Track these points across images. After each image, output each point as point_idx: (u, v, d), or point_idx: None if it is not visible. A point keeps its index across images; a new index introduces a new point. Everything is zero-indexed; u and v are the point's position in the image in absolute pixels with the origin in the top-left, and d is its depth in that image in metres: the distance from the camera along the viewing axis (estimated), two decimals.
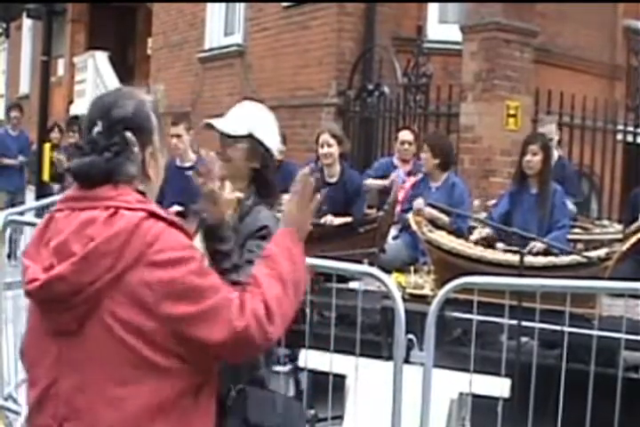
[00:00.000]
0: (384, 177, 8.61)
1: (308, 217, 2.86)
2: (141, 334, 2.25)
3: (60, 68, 24.00)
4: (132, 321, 2.25)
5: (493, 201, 7.80)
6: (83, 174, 2.39)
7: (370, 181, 8.47)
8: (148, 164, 2.48)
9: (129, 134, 2.41)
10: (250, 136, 3.59)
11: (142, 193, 2.44)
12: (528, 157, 6.96)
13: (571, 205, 7.86)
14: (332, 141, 7.58)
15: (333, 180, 7.66)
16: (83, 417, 2.26)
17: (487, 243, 6.75)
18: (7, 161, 12.47)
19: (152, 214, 2.34)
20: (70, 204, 2.39)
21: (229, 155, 3.65)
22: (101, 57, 21.16)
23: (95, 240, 2.27)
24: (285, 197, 8.18)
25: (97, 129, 2.41)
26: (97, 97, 2.57)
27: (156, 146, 2.51)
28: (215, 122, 3.71)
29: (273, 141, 3.64)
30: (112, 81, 20.43)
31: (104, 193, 2.36)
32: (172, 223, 2.36)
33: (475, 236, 7.00)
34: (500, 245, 6.80)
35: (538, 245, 6.43)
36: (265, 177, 3.64)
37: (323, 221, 7.28)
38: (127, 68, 22.66)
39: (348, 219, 7.35)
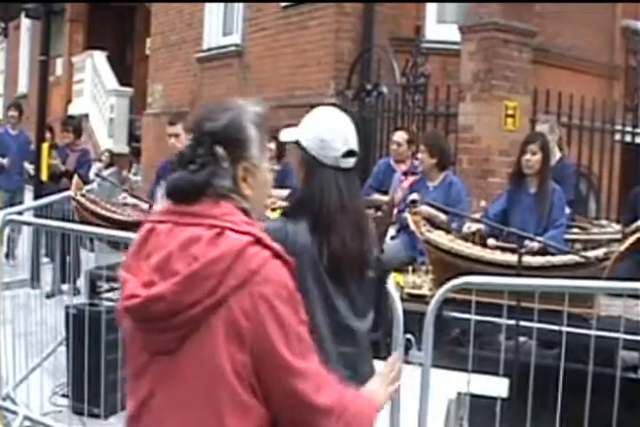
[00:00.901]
0: (383, 181, 8.61)
1: (386, 396, 2.73)
2: (233, 364, 2.17)
3: (59, 67, 24.02)
4: (227, 350, 2.18)
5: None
6: (171, 188, 2.35)
7: (376, 197, 8.43)
8: (241, 179, 2.36)
9: (218, 148, 2.33)
10: (297, 143, 3.35)
11: (245, 212, 2.35)
12: (527, 157, 6.95)
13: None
14: None
15: None
16: None
17: (478, 238, 6.76)
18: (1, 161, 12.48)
19: (258, 240, 2.25)
20: (172, 217, 2.32)
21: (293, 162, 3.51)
22: (100, 57, 21.20)
23: (199, 261, 2.19)
24: (283, 193, 8.19)
25: (191, 141, 2.39)
26: (200, 109, 2.52)
27: (253, 161, 2.38)
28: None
29: (323, 148, 3.35)
30: (110, 81, 20.50)
31: (209, 210, 2.28)
32: (277, 254, 2.26)
33: (464, 229, 7.00)
34: (490, 240, 6.81)
35: (534, 245, 6.43)
36: (305, 187, 3.35)
37: None
38: (125, 68, 22.68)
39: None
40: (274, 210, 7.55)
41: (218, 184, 2.32)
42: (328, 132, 3.37)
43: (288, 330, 2.20)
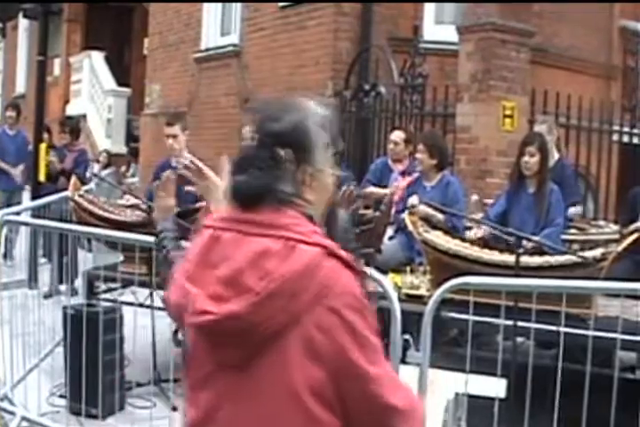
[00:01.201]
0: (381, 179, 8.62)
1: None
2: (307, 379, 2.14)
3: (57, 67, 24.01)
4: (301, 365, 2.14)
5: (490, 201, 7.79)
6: (234, 193, 2.28)
7: (371, 190, 8.45)
8: (305, 185, 2.29)
9: (280, 151, 2.25)
10: None
11: (310, 218, 2.28)
12: (526, 158, 6.96)
13: (577, 209, 7.89)
14: None
15: None
16: None
17: (483, 243, 6.75)
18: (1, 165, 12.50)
19: (328, 251, 2.19)
20: (237, 225, 2.23)
21: None
22: (97, 57, 21.21)
23: (274, 278, 2.13)
24: None
25: (249, 141, 2.33)
26: (261, 106, 2.44)
27: (318, 165, 2.31)
28: None
29: None
30: (108, 81, 20.50)
31: (276, 220, 2.21)
32: (347, 263, 2.21)
33: (470, 235, 6.99)
34: (471, 233, 6.84)
35: (530, 244, 6.42)
36: None
37: None
38: (123, 69, 22.69)
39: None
40: None
41: (280, 189, 2.24)
42: None
43: (361, 340, 2.18)
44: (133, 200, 8.05)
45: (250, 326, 2.13)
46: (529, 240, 6.36)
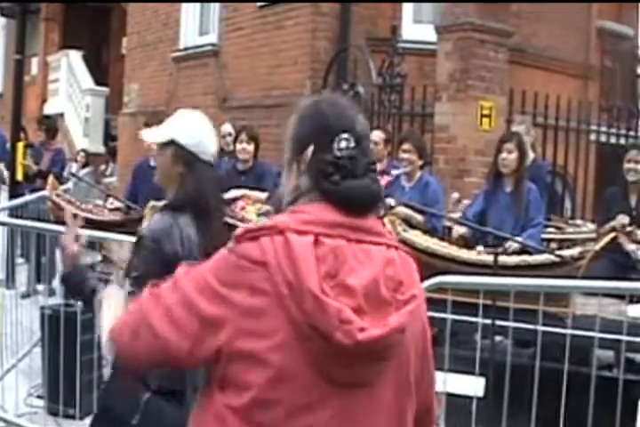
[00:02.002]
0: None
1: None
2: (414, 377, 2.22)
3: (34, 66, 23.91)
4: (415, 374, 2.21)
5: (467, 201, 7.80)
6: (354, 198, 2.18)
7: None
8: None
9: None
10: (173, 142, 3.71)
11: None
12: (504, 155, 6.97)
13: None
14: None
15: None
16: None
17: (464, 243, 6.76)
18: None
19: (411, 255, 2.30)
20: (342, 231, 2.14)
21: (158, 161, 3.89)
22: (75, 56, 21.12)
23: (414, 288, 2.18)
24: (262, 195, 8.14)
25: (345, 144, 2.19)
26: (330, 103, 2.30)
27: None
28: (144, 132, 4.02)
29: (200, 146, 3.71)
30: (86, 80, 20.42)
31: (379, 227, 2.21)
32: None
33: (454, 233, 7.00)
34: (479, 248, 6.82)
35: (514, 246, 6.45)
36: (190, 181, 3.68)
37: None
38: (101, 68, 22.60)
39: None
40: (260, 215, 7.54)
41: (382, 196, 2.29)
42: (206, 132, 3.82)
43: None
44: (117, 204, 8.03)
45: (402, 339, 2.12)
46: (515, 241, 6.39)
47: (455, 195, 8.00)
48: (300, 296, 2.04)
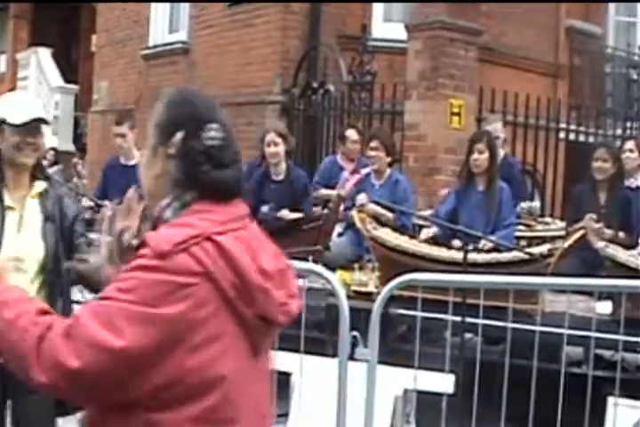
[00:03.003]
0: (330, 178, 8.62)
1: None
2: None
3: (3, 64, 23.77)
4: None
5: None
6: (227, 187, 2.26)
7: (323, 192, 8.40)
8: None
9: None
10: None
11: None
12: (475, 156, 6.99)
13: (534, 204, 7.96)
14: (279, 140, 7.56)
15: (279, 178, 7.65)
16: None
17: (434, 241, 6.77)
18: None
19: None
20: (242, 222, 2.26)
21: (42, 142, 3.89)
22: (44, 53, 20.99)
23: (282, 257, 2.32)
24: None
25: (214, 133, 2.23)
26: (196, 94, 2.37)
27: None
28: (37, 113, 3.84)
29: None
30: (55, 78, 20.30)
31: (247, 211, 2.33)
32: None
33: (422, 235, 7.00)
34: (456, 242, 6.85)
35: (489, 245, 6.47)
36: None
37: (279, 215, 7.29)
38: (71, 66, 22.48)
39: (300, 214, 7.36)
40: None
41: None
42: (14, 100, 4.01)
43: None
44: (89, 203, 7.97)
45: None
46: (488, 241, 6.42)
47: (445, 191, 8.01)
48: (249, 292, 2.12)
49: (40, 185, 3.92)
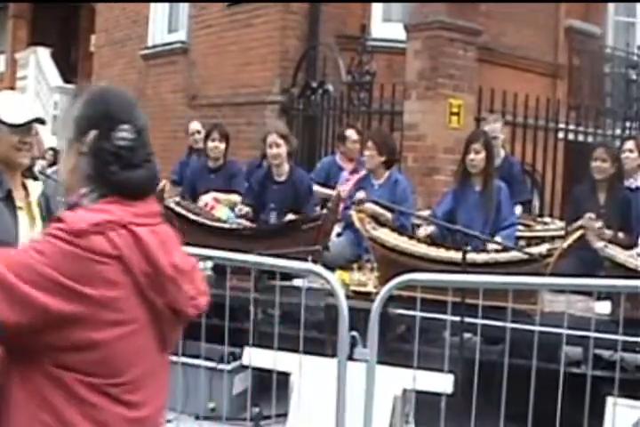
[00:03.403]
0: (328, 177, 8.62)
1: None
2: None
3: (2, 64, 23.76)
4: None
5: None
6: (139, 186, 2.33)
7: (317, 189, 8.41)
8: None
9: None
10: None
11: None
12: (471, 156, 6.98)
13: (517, 210, 7.95)
14: (280, 142, 7.54)
15: (281, 179, 7.64)
16: None
17: (432, 241, 6.77)
18: None
19: None
20: (156, 219, 2.32)
21: (34, 142, 3.95)
22: (43, 53, 20.98)
23: (190, 256, 2.39)
24: (234, 197, 8.07)
25: (125, 134, 2.30)
26: (116, 94, 2.42)
27: None
28: (36, 113, 3.90)
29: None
30: (54, 78, 20.28)
31: (159, 209, 2.38)
32: None
33: (420, 233, 7.00)
34: (420, 231, 6.87)
35: (496, 247, 6.46)
36: None
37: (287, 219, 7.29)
38: (70, 65, 22.48)
39: (298, 216, 7.36)
40: (242, 216, 7.54)
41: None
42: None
43: None
44: None
45: None
46: (491, 242, 6.42)
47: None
48: (160, 282, 2.20)
49: (37, 185, 3.92)
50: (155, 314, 2.21)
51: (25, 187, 3.90)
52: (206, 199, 7.97)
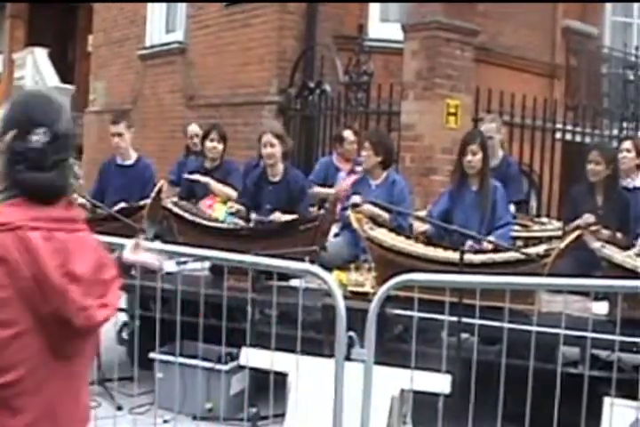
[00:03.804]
0: (326, 178, 8.62)
1: None
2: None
3: None
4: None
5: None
6: (44, 190, 2.39)
7: (317, 189, 8.42)
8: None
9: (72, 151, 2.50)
10: None
11: None
12: (469, 158, 6.97)
13: (511, 209, 7.95)
14: (275, 141, 7.54)
15: (276, 179, 7.64)
16: None
17: (428, 241, 6.77)
18: None
19: None
20: (62, 225, 2.34)
21: None
22: (41, 53, 20.97)
23: (112, 268, 2.42)
24: (226, 189, 8.08)
25: (38, 138, 2.37)
26: (42, 97, 2.51)
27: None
28: None
29: None
30: (52, 78, 20.27)
31: (77, 214, 2.42)
32: None
33: (416, 229, 7.01)
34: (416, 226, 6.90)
35: (489, 247, 6.46)
36: None
37: (272, 218, 7.28)
38: (67, 66, 22.46)
39: (294, 216, 7.35)
40: (230, 214, 7.54)
41: (70, 184, 2.49)
42: None
43: None
44: (81, 200, 7.97)
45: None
46: (485, 241, 6.43)
47: (429, 208, 8.03)
48: (45, 289, 2.21)
49: None
50: (39, 320, 2.23)
51: None
52: (200, 178, 8.04)
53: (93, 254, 2.33)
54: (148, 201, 7.36)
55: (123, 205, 7.54)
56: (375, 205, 7.03)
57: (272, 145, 7.53)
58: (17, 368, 2.22)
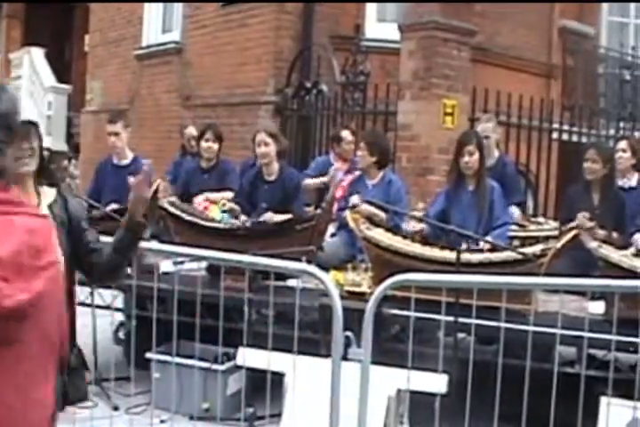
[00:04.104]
0: (322, 175, 8.62)
1: None
2: None
3: None
4: (57, 333, 2.40)
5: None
6: None
7: (309, 181, 8.46)
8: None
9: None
10: None
11: None
12: (466, 159, 6.98)
13: (516, 212, 7.96)
14: (269, 140, 7.54)
15: (272, 178, 7.64)
16: None
17: (424, 241, 6.77)
18: None
19: None
20: None
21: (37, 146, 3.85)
22: (37, 53, 20.94)
23: (52, 254, 2.32)
24: (227, 194, 8.11)
25: None
26: None
27: None
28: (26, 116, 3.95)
29: None
30: (48, 78, 20.25)
31: (18, 197, 2.34)
32: None
33: (410, 227, 7.01)
34: (410, 226, 6.90)
35: (487, 246, 6.46)
36: None
37: (263, 218, 7.27)
38: (64, 65, 22.44)
39: (288, 216, 7.34)
40: (225, 211, 7.54)
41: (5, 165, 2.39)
42: None
43: None
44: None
45: (42, 302, 2.25)
46: (483, 241, 6.43)
47: (421, 205, 8.04)
48: None
49: (50, 193, 3.85)
50: None
51: (39, 194, 3.81)
52: (199, 201, 7.99)
53: (22, 237, 2.24)
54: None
55: (115, 206, 7.49)
56: (372, 204, 7.04)
57: (266, 144, 7.53)
58: None
